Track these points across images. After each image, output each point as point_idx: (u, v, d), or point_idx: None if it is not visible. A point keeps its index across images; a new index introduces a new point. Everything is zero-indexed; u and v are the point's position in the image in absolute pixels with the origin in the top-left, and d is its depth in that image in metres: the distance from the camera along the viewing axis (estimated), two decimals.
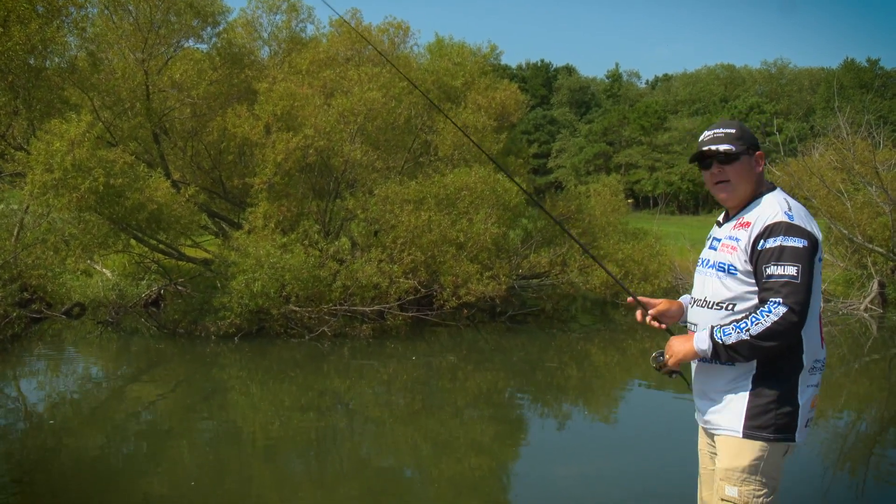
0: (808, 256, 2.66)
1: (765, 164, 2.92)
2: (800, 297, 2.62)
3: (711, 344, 2.74)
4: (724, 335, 2.70)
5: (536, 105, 71.28)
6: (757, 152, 2.89)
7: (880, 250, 16.43)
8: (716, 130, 2.92)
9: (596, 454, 7.26)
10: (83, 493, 5.86)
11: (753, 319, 2.65)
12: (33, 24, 11.46)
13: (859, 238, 16.35)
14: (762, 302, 2.67)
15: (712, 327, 2.76)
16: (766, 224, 2.72)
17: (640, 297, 3.14)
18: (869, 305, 15.58)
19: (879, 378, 11.03)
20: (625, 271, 14.40)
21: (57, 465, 6.44)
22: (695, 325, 2.94)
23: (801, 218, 2.73)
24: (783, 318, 2.61)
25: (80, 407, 8.58)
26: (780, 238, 2.68)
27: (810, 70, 74.16)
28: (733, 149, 2.85)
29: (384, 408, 8.92)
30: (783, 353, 2.69)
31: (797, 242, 2.66)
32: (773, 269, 2.66)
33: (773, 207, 2.76)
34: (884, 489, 6.27)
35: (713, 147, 2.88)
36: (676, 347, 2.87)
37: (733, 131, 2.89)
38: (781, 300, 2.62)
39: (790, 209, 2.74)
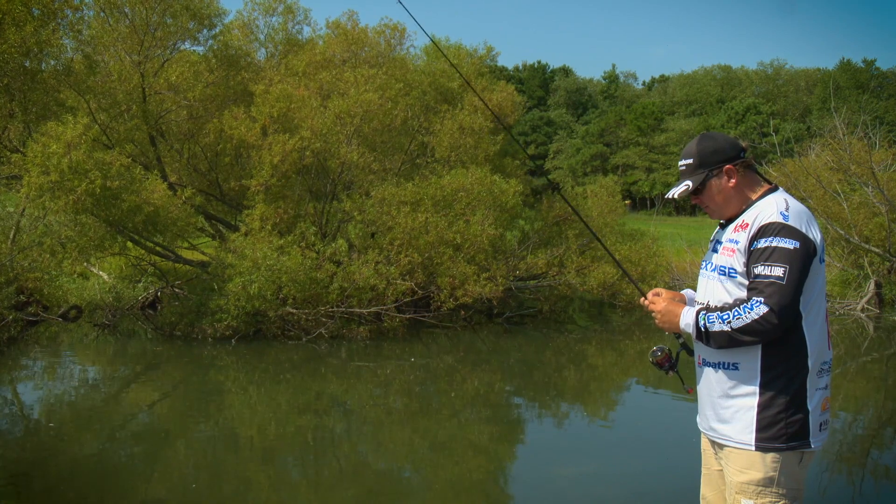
0: (800, 258, 2.64)
1: (739, 172, 2.86)
2: (783, 299, 2.61)
3: (695, 327, 2.78)
4: (708, 322, 2.74)
5: (533, 106, 71.47)
6: (725, 167, 2.85)
7: (877, 251, 16.45)
8: (681, 163, 2.97)
9: (594, 455, 7.26)
10: (81, 497, 5.84)
11: (736, 313, 2.67)
12: (29, 26, 11.45)
13: (856, 238, 16.37)
14: (747, 299, 2.69)
15: (699, 311, 2.80)
16: (761, 224, 2.72)
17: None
18: (865, 306, 15.60)
19: (876, 378, 11.03)
20: (622, 272, 14.40)
21: (54, 469, 6.41)
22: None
23: (798, 219, 2.71)
24: (763, 317, 2.62)
25: (77, 410, 8.56)
26: (772, 238, 2.67)
27: (807, 71, 74.38)
28: (690, 186, 2.89)
29: (382, 409, 8.91)
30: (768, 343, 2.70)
31: (788, 244, 2.65)
32: (760, 269, 2.66)
33: (770, 208, 2.74)
34: (881, 488, 6.28)
35: (669, 195, 2.99)
36: (664, 314, 2.91)
37: (691, 161, 2.91)
38: (764, 300, 2.62)
39: (787, 209, 2.72)
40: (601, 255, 14.59)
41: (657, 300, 2.96)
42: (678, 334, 3.05)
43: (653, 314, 2.97)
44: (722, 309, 2.74)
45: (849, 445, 7.39)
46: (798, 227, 2.68)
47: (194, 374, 10.49)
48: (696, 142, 2.94)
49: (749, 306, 2.64)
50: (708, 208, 2.94)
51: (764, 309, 2.61)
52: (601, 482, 6.26)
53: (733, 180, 2.86)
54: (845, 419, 8.24)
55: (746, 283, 2.74)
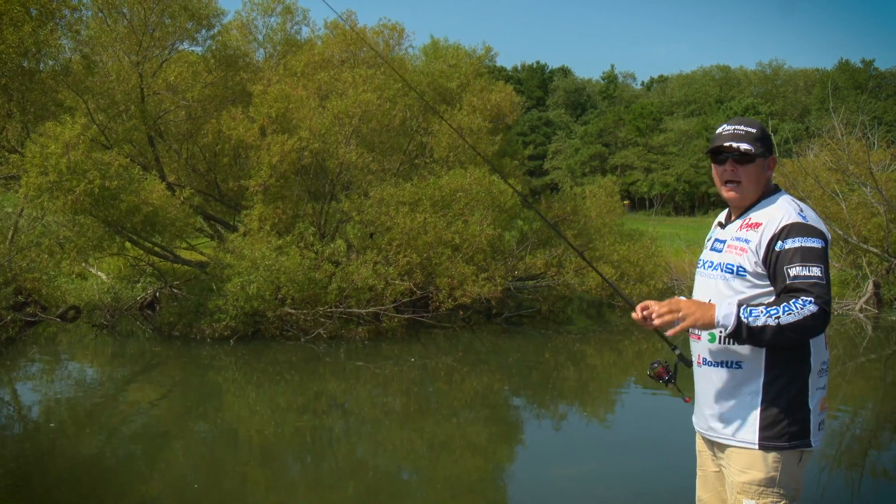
0: (826, 257, 2.68)
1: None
2: (828, 297, 2.61)
3: (736, 321, 2.60)
4: (752, 316, 2.58)
5: (532, 107, 71.45)
6: (771, 157, 2.87)
7: (875, 251, 16.46)
8: (737, 127, 2.87)
9: (592, 455, 7.26)
10: (80, 497, 5.84)
11: (786, 308, 2.55)
12: (27, 26, 11.45)
13: (854, 239, 16.39)
14: (790, 299, 2.59)
15: (739, 304, 2.63)
16: (783, 225, 2.70)
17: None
18: (864, 306, 15.61)
19: (875, 378, 11.05)
20: (621, 272, 14.41)
21: (53, 469, 6.41)
22: (696, 329, 2.85)
23: (814, 218, 2.75)
24: (815, 315, 2.55)
25: (75, 410, 8.55)
26: (800, 239, 2.66)
27: (805, 71, 74.45)
28: (752, 150, 2.81)
29: (380, 409, 8.91)
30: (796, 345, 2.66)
31: (816, 243, 2.66)
32: (798, 270, 2.62)
33: (785, 209, 2.74)
34: (880, 488, 6.28)
35: (734, 144, 2.83)
36: (694, 310, 2.67)
37: (754, 131, 2.84)
38: (813, 299, 2.56)
39: (802, 210, 2.75)
40: (599, 256, 14.58)
41: (680, 305, 2.74)
42: (675, 346, 2.99)
43: (664, 316, 2.71)
44: (765, 305, 2.62)
45: (847, 445, 7.39)
46: (817, 227, 2.71)
47: (193, 375, 10.49)
48: (754, 120, 2.95)
49: (801, 303, 2.55)
50: (737, 185, 2.85)
51: (815, 308, 2.55)
52: (600, 482, 6.26)
53: (770, 171, 2.88)
54: (844, 419, 8.25)
55: (757, 281, 2.72)
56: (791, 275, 2.62)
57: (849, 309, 15.56)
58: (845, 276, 17.11)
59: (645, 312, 2.75)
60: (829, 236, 2.73)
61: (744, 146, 2.81)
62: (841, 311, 15.50)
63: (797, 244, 2.65)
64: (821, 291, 2.59)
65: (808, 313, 2.55)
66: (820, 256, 2.64)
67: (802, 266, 2.61)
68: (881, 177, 16.56)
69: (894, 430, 8.24)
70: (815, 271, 2.60)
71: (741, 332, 2.60)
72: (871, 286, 15.88)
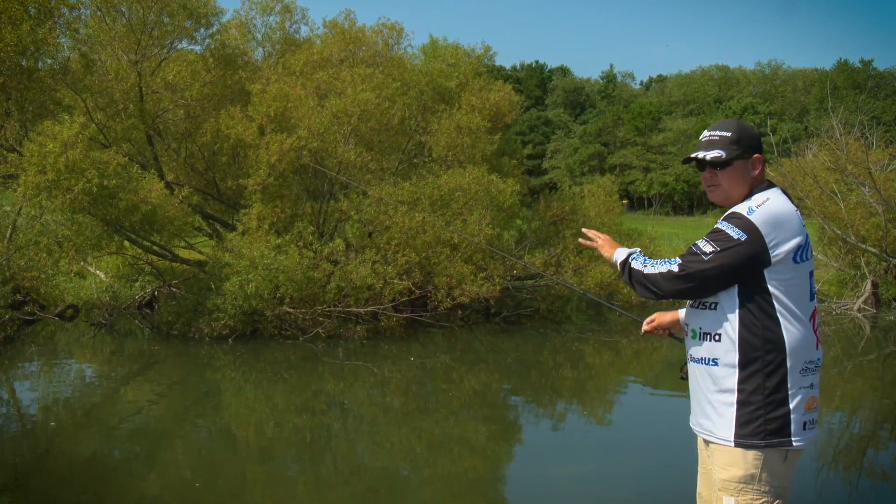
0: (738, 252, 2.63)
1: (763, 167, 2.84)
2: (695, 270, 2.69)
3: (625, 257, 2.96)
4: (636, 259, 2.91)
5: (531, 106, 71.53)
6: (755, 155, 2.81)
7: (873, 250, 16.47)
8: (712, 133, 2.87)
9: (591, 454, 7.26)
10: (78, 496, 5.83)
11: (657, 262, 2.82)
12: (25, 25, 11.43)
13: (853, 238, 16.40)
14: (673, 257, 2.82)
15: (636, 250, 2.97)
16: (727, 213, 2.77)
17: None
18: (862, 305, 15.61)
19: (873, 378, 11.05)
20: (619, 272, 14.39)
21: (51, 468, 6.41)
22: (686, 324, 2.95)
23: (764, 219, 2.66)
24: (667, 272, 2.75)
25: (74, 409, 8.55)
26: (726, 224, 2.70)
27: (804, 71, 74.57)
28: (723, 155, 2.80)
29: (379, 409, 8.91)
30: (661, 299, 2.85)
31: (735, 233, 2.66)
32: (698, 241, 2.74)
33: (746, 203, 2.74)
34: (878, 488, 6.29)
35: (700, 155, 2.86)
36: (606, 243, 3.16)
37: (729, 134, 2.82)
38: (679, 262, 2.73)
39: (759, 206, 2.69)
40: (598, 256, 14.51)
41: (601, 234, 3.26)
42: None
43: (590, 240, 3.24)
44: (652, 256, 2.90)
45: (845, 445, 7.40)
46: (756, 225, 2.64)
47: (191, 374, 10.48)
48: (735, 121, 2.90)
49: (668, 262, 2.77)
50: (718, 187, 2.86)
51: (674, 266, 2.73)
52: (599, 481, 6.27)
53: (758, 170, 2.82)
54: (842, 419, 8.25)
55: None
56: (693, 243, 2.76)
57: (847, 309, 15.57)
58: (843, 275, 17.13)
59: (588, 240, 3.27)
60: (767, 241, 2.63)
61: (712, 154, 2.83)
62: (839, 310, 15.51)
63: (719, 226, 2.73)
64: (691, 260, 2.71)
65: (665, 270, 2.75)
66: (727, 244, 2.65)
67: (705, 241, 2.72)
68: (879, 177, 16.57)
69: (892, 430, 8.25)
70: (706, 248, 2.69)
71: (623, 270, 2.93)
72: (869, 286, 15.89)
